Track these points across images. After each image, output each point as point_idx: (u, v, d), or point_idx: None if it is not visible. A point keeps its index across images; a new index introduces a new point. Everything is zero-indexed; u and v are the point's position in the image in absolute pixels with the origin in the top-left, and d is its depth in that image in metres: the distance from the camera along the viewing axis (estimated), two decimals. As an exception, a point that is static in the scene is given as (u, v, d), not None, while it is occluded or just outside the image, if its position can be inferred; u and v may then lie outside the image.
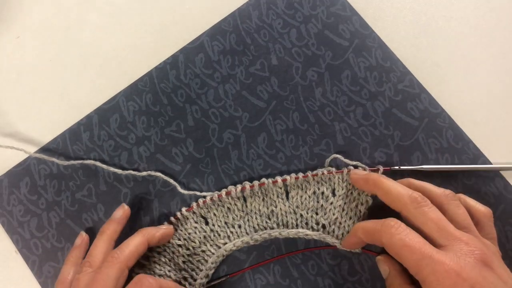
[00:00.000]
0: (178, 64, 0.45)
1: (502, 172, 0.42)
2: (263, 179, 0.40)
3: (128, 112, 0.44)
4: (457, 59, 0.45)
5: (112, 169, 0.41)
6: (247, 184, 0.40)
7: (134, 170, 0.42)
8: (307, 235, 0.39)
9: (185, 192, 0.41)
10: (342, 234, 0.39)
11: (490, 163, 0.42)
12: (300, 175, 0.40)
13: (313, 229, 0.40)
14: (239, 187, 0.40)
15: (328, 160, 0.41)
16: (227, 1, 0.46)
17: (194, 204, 0.40)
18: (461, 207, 0.35)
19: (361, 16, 0.45)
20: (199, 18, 0.46)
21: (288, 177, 0.40)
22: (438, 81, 0.44)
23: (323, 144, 0.42)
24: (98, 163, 0.42)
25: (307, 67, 0.44)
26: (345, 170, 0.40)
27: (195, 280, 0.39)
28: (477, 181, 0.41)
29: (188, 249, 0.40)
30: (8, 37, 0.47)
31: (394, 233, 0.32)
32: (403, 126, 0.43)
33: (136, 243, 0.36)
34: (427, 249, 0.30)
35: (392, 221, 0.33)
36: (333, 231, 0.40)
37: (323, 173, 0.40)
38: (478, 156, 0.42)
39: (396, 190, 0.35)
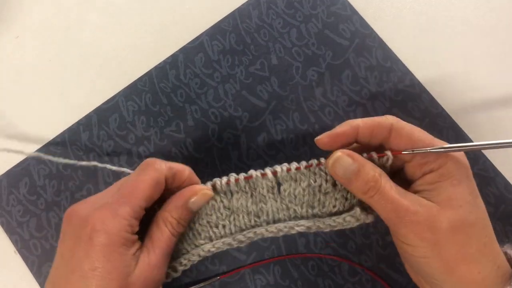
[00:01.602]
0: (178, 63, 0.44)
1: (503, 173, 0.42)
2: (251, 171, 0.33)
3: (128, 112, 0.44)
4: (457, 59, 0.45)
5: (114, 168, 0.38)
6: (232, 177, 0.33)
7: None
8: (297, 225, 0.33)
9: None
10: (343, 219, 0.33)
11: (491, 164, 0.42)
12: (293, 166, 0.33)
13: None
14: (224, 179, 0.33)
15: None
16: (227, 1, 0.46)
17: None
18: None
19: (361, 16, 0.45)
20: (199, 18, 0.46)
21: (279, 169, 0.33)
22: (438, 81, 0.44)
23: (323, 144, 0.42)
24: (108, 165, 0.39)
25: (307, 67, 0.44)
26: None
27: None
28: (478, 181, 0.41)
29: None
30: (8, 37, 0.47)
31: (399, 119, 0.31)
32: (403, 126, 0.42)
33: (177, 165, 0.32)
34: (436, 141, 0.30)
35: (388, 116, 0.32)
36: (331, 222, 0.33)
37: (318, 164, 0.33)
38: (479, 156, 0.42)
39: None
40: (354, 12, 0.45)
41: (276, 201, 0.34)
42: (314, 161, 0.33)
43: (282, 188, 0.34)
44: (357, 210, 0.32)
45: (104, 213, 0.29)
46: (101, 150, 0.43)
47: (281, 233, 0.33)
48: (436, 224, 0.28)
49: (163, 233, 0.31)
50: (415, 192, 0.30)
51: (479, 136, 0.42)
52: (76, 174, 0.42)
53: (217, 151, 0.42)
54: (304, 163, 0.33)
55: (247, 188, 0.34)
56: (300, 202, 0.34)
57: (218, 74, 0.44)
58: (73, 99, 0.45)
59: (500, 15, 0.46)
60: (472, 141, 0.42)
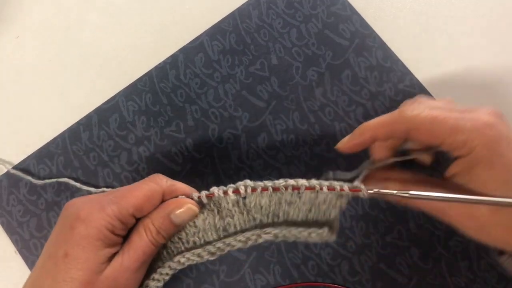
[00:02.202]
0: (178, 64, 0.44)
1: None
2: (213, 189, 0.33)
3: (128, 112, 0.44)
4: (457, 59, 0.45)
5: (84, 187, 0.42)
6: (194, 195, 0.34)
7: (133, 171, 0.42)
8: (264, 233, 0.34)
9: None
10: (309, 233, 0.34)
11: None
12: (259, 187, 0.33)
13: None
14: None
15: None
16: (227, 0, 0.46)
17: None
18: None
19: (361, 16, 0.45)
20: (199, 18, 0.46)
21: (242, 189, 0.33)
22: (438, 81, 0.44)
23: (323, 144, 0.42)
24: (72, 182, 0.42)
25: (307, 67, 0.44)
26: (317, 187, 0.33)
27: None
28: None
29: None
30: (8, 37, 0.47)
31: (417, 112, 0.30)
32: (403, 126, 0.42)
33: (182, 185, 0.33)
34: (455, 114, 0.29)
35: (410, 104, 0.31)
36: (297, 234, 0.34)
37: (286, 189, 0.33)
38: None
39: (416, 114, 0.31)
40: (354, 12, 0.45)
41: (243, 213, 0.34)
42: (282, 187, 0.33)
43: (247, 200, 0.34)
44: (325, 230, 0.33)
45: (92, 206, 0.30)
46: (101, 150, 0.43)
47: (250, 242, 0.34)
48: (476, 213, 0.29)
49: (141, 239, 0.30)
50: (453, 175, 0.30)
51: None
52: (76, 174, 0.42)
53: (217, 151, 0.42)
54: (270, 187, 0.33)
55: (212, 205, 0.34)
56: (266, 212, 0.34)
57: (218, 74, 0.44)
58: (73, 99, 0.45)
59: (500, 15, 0.46)
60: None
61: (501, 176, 0.28)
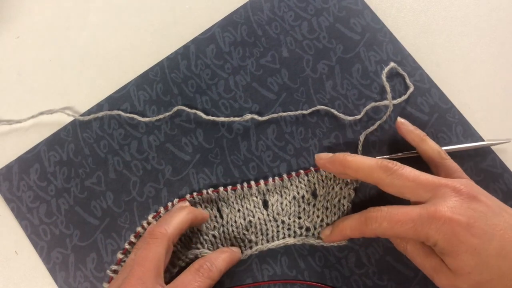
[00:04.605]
0: (189, 54, 0.45)
1: (511, 168, 0.42)
2: (237, 185, 0.40)
3: (139, 101, 0.44)
4: (457, 59, 0.45)
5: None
6: (220, 188, 0.40)
7: (143, 159, 0.42)
8: (287, 243, 0.39)
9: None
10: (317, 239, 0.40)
11: (500, 160, 0.42)
12: (276, 178, 0.40)
13: (295, 234, 0.40)
14: (210, 190, 0.40)
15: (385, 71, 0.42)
16: (239, -7, 0.46)
17: (161, 209, 0.40)
18: (452, 161, 0.37)
19: (373, 10, 0.45)
20: (211, 9, 0.46)
21: (262, 182, 0.40)
22: (438, 81, 0.44)
23: (332, 137, 0.43)
24: (122, 113, 0.43)
25: (317, 60, 0.44)
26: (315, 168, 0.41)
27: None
28: (485, 176, 0.41)
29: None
30: (8, 37, 0.46)
31: (380, 223, 0.33)
32: (413, 121, 0.42)
33: (183, 219, 0.36)
34: (414, 212, 0.31)
35: (373, 212, 0.33)
36: (319, 233, 0.39)
37: (298, 174, 0.40)
38: (487, 152, 0.42)
39: (365, 164, 0.35)
40: (366, 6, 0.45)
41: (263, 214, 0.40)
42: (293, 173, 0.41)
43: (269, 203, 0.40)
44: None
45: None
46: (111, 138, 0.43)
47: (271, 248, 0.39)
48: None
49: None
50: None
51: (488, 132, 0.43)
52: (87, 161, 0.42)
53: (227, 142, 0.43)
54: (285, 175, 0.41)
55: (234, 204, 0.40)
56: (287, 213, 0.40)
57: (229, 66, 0.44)
58: (73, 99, 0.45)
59: (500, 15, 0.46)
60: (481, 137, 0.42)
61: (468, 260, 0.30)
